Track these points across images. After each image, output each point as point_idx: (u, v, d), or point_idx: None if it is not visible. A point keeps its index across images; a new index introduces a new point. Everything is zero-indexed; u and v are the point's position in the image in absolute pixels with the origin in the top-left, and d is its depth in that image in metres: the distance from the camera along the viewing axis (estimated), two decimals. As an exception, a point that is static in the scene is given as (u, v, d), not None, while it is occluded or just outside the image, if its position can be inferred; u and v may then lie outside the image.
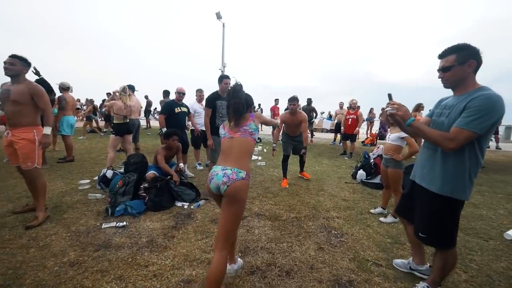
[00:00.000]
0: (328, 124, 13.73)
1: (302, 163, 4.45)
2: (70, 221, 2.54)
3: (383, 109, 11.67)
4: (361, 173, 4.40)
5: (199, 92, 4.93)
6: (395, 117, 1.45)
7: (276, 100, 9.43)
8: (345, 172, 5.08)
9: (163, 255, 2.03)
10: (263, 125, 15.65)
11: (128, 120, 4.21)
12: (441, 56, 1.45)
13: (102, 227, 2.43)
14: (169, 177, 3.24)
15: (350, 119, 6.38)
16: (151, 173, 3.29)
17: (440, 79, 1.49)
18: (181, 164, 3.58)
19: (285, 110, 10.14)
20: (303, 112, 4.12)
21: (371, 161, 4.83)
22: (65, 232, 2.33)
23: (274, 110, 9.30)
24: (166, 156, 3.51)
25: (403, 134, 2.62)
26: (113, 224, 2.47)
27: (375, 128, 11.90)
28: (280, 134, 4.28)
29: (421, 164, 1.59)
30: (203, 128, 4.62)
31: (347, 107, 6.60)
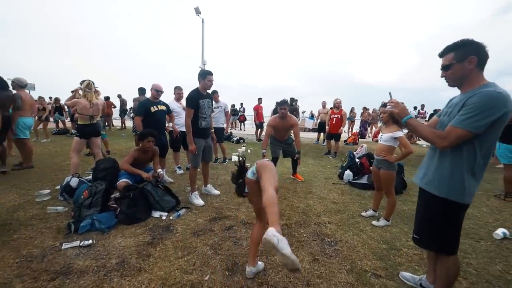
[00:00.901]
0: (310, 123, 13.83)
1: (295, 165, 4.28)
2: (21, 242, 2.12)
3: (364, 108, 11.98)
4: (348, 174, 4.33)
5: (178, 90, 4.54)
6: (393, 114, 1.48)
7: (260, 99, 9.23)
8: (331, 172, 5.01)
9: (136, 280, 1.72)
10: (245, 125, 15.35)
11: (95, 121, 3.75)
12: (440, 55, 1.41)
13: (62, 247, 2.05)
14: (143, 184, 2.89)
15: (334, 119, 6.35)
16: (123, 181, 2.92)
17: (443, 78, 1.42)
18: (160, 170, 3.20)
19: (273, 113, 9.95)
20: (293, 116, 3.94)
21: (356, 160, 4.81)
22: (13, 257, 1.92)
23: (257, 110, 9.09)
24: (140, 160, 3.14)
25: (396, 134, 2.53)
26: (76, 243, 2.10)
27: (356, 127, 12.18)
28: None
29: (423, 165, 1.54)
30: (183, 129, 4.30)
31: (331, 107, 6.56)
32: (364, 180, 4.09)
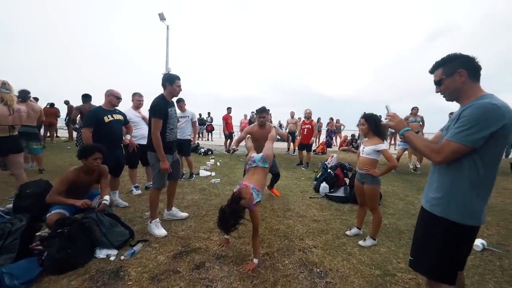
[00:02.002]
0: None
1: (274, 179, 3.89)
2: None
3: (330, 118, 12.46)
4: (324, 186, 4.16)
5: (137, 97, 3.89)
6: (390, 127, 1.47)
7: (229, 109, 8.84)
8: (306, 184, 4.82)
9: None
10: (212, 135, 14.78)
11: (15, 132, 2.93)
12: (431, 72, 1.38)
13: None
14: (85, 214, 2.25)
15: (305, 129, 6.29)
16: (55, 213, 2.23)
17: (438, 93, 1.38)
18: (107, 197, 2.47)
19: (249, 122, 9.48)
20: (272, 124, 3.64)
21: (329, 171, 4.72)
22: None
23: (226, 119, 8.67)
24: (80, 183, 2.44)
25: (379, 147, 2.39)
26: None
27: (322, 137, 12.56)
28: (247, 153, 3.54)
29: (427, 181, 1.44)
30: (141, 142, 3.70)
31: (303, 117, 6.51)
32: (340, 192, 3.96)
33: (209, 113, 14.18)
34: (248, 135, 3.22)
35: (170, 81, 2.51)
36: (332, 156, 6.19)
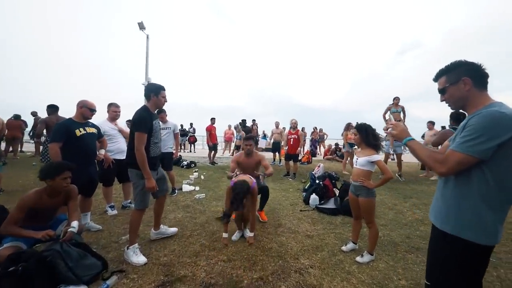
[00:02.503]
0: (263, 143, 13.79)
1: (263, 200, 3.44)
2: None
3: (314, 128, 12.63)
4: (314, 198, 4.05)
5: (114, 107, 3.54)
6: (393, 135, 1.41)
7: (213, 119, 8.58)
8: (295, 196, 4.68)
9: None
10: (195, 147, 14.38)
11: None
12: (434, 80, 1.33)
13: None
14: (47, 246, 1.91)
15: (292, 139, 6.23)
16: (7, 247, 1.86)
17: (443, 102, 1.32)
18: (74, 223, 2.11)
19: (236, 129, 9.15)
20: (258, 152, 3.45)
21: (318, 181, 4.65)
22: None
23: (210, 130, 8.41)
24: (43, 208, 2.08)
25: (373, 158, 2.32)
26: None
27: (307, 146, 12.65)
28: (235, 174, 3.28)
29: (434, 196, 1.35)
30: (117, 156, 3.38)
31: (289, 127, 6.47)
32: (331, 204, 3.87)
33: (191, 124, 13.81)
34: (237, 170, 3.11)
35: (155, 91, 2.35)
36: (318, 166, 6.15)
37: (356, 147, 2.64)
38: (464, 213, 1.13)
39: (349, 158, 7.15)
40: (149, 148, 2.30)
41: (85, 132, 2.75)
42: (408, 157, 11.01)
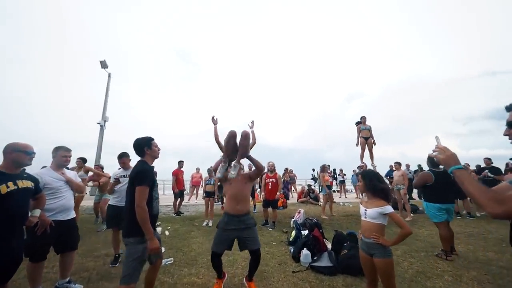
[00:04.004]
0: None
1: (254, 266, 2.76)
2: None
3: (285, 169, 12.57)
4: (306, 254, 3.55)
5: (63, 152, 2.75)
6: (438, 160, 1.27)
7: (180, 163, 7.72)
8: (281, 251, 4.11)
9: None
10: (160, 195, 13.09)
11: None
12: (508, 109, 1.15)
13: None
14: None
15: (270, 183, 5.86)
16: None
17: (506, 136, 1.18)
18: None
19: (206, 193, 8.47)
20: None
21: (304, 232, 4.23)
22: None
23: (177, 175, 7.51)
24: None
25: (386, 210, 2.07)
26: None
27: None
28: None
29: None
30: (59, 217, 2.56)
31: (266, 170, 6.15)
32: (325, 261, 3.39)
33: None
34: None
35: (148, 144, 2.29)
36: (299, 212, 5.79)
37: (356, 192, 2.37)
38: None
39: (328, 201, 6.94)
40: (152, 203, 2.16)
41: (16, 187, 1.98)
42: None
